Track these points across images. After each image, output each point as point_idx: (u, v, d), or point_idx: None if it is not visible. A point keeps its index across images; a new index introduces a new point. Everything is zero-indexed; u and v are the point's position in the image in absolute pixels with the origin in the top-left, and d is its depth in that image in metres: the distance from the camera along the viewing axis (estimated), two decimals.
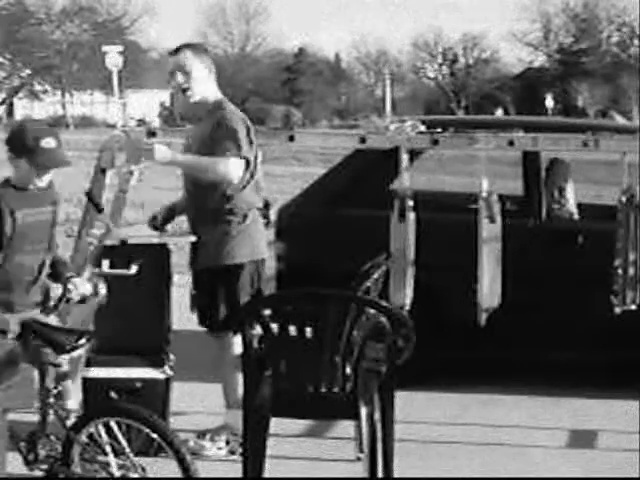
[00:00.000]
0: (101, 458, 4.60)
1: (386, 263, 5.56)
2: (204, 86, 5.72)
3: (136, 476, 4.57)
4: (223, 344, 5.62)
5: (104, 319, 5.69)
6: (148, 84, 66.59)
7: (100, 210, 5.45)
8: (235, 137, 5.48)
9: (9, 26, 62.28)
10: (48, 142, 4.58)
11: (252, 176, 5.63)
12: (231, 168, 5.47)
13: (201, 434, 5.67)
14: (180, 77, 5.77)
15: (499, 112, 50.60)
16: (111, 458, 4.58)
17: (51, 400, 4.62)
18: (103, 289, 5.07)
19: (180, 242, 6.48)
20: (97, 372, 5.60)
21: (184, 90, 5.73)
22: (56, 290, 4.75)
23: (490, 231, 5.60)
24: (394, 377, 4.94)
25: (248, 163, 5.54)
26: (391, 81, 71.21)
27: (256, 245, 5.66)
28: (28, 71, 64.53)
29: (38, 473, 4.66)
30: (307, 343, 4.64)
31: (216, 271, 5.63)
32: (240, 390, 5.22)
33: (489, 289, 5.63)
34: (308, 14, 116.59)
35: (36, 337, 4.61)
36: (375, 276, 5.41)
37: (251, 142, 5.56)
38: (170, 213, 6.04)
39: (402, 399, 5.31)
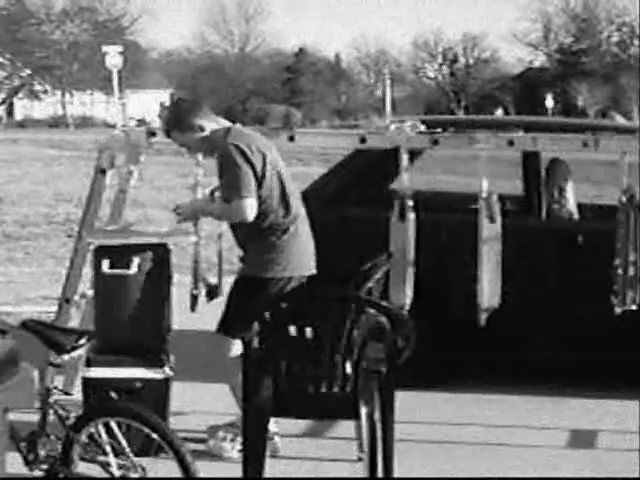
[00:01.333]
0: (101, 458, 4.60)
1: (387, 263, 5.56)
2: (202, 135, 5.65)
3: (136, 476, 4.58)
4: (228, 346, 5.58)
5: (104, 319, 5.70)
6: (148, 84, 66.65)
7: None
8: (234, 180, 5.43)
9: (9, 26, 62.32)
10: None
11: (283, 191, 5.59)
12: (241, 212, 5.43)
13: (215, 433, 5.65)
14: (187, 149, 5.81)
15: (499, 112, 50.63)
16: (111, 458, 4.58)
17: (51, 400, 4.62)
18: None
19: (180, 242, 6.49)
20: (97, 372, 5.60)
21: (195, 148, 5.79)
22: None
23: (490, 231, 5.60)
24: (394, 377, 4.94)
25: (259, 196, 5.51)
26: (391, 81, 71.26)
27: (291, 261, 5.58)
28: (28, 71, 64.55)
29: (38, 473, 4.66)
30: (307, 343, 4.63)
31: (247, 279, 5.61)
32: None
33: (489, 289, 5.62)
34: (308, 14, 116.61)
35: (36, 337, 4.61)
36: (377, 276, 5.40)
37: (254, 168, 5.47)
38: None
39: (402, 399, 5.31)
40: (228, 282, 6.03)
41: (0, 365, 4.13)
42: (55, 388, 4.72)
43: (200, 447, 5.59)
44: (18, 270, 11.86)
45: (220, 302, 5.87)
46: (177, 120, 5.67)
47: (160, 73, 71.34)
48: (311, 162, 25.14)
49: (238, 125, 5.69)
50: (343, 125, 58.33)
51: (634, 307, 5.61)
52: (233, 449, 5.59)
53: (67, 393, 5.18)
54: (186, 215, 5.77)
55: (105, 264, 5.65)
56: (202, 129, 5.61)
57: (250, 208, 5.44)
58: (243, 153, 5.45)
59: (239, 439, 5.54)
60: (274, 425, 5.48)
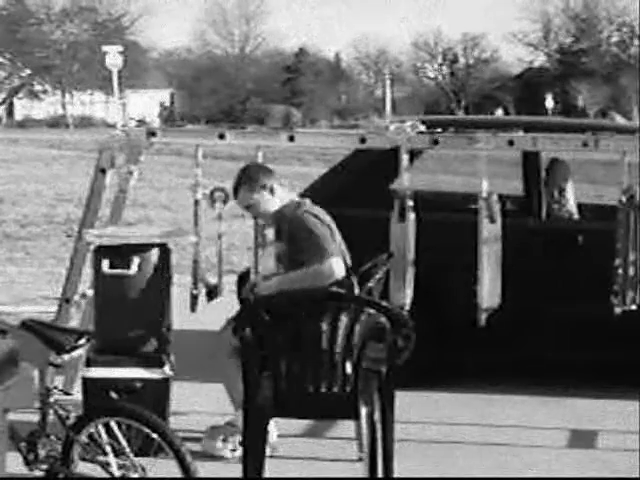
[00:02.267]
0: (101, 458, 4.60)
1: (388, 263, 5.56)
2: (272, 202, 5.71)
3: (136, 476, 4.58)
4: (227, 347, 5.58)
5: (104, 319, 5.70)
6: (148, 84, 66.65)
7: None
8: (316, 243, 5.48)
9: (9, 26, 62.31)
10: None
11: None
12: (331, 271, 5.43)
13: (212, 433, 5.65)
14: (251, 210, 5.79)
15: (499, 112, 50.63)
16: (111, 458, 4.58)
17: (51, 400, 4.62)
18: None
19: (180, 242, 6.48)
20: (97, 372, 5.60)
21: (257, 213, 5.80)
22: None
23: (490, 231, 5.60)
24: (394, 377, 4.94)
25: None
26: (391, 81, 71.25)
27: None
28: (28, 71, 64.56)
29: (38, 473, 4.66)
30: (307, 343, 4.63)
31: None
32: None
33: (489, 289, 5.63)
34: (308, 14, 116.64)
35: (36, 337, 4.62)
36: (378, 276, 5.41)
37: (330, 230, 5.59)
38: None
39: (402, 399, 5.31)
40: (229, 282, 6.04)
41: (0, 365, 4.13)
42: (55, 388, 4.72)
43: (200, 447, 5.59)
44: (18, 270, 11.87)
45: (220, 302, 5.88)
46: (248, 178, 5.69)
47: (160, 73, 71.34)
48: (311, 162, 25.15)
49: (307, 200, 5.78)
50: (343, 125, 58.32)
51: (634, 307, 5.61)
52: (225, 448, 5.58)
53: (67, 393, 5.18)
54: (266, 292, 5.56)
55: (105, 264, 5.65)
56: (272, 191, 5.67)
57: (338, 265, 5.44)
58: (317, 217, 5.58)
59: (233, 438, 5.54)
60: (273, 426, 5.48)
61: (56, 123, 59.52)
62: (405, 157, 5.70)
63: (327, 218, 5.65)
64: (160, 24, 78.50)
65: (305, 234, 5.52)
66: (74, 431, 4.57)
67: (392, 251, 5.62)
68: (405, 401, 5.59)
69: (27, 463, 4.66)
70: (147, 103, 64.01)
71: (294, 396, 4.71)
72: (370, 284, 5.32)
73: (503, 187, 6.46)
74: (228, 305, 6.08)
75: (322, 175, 7.58)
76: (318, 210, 5.69)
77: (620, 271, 5.54)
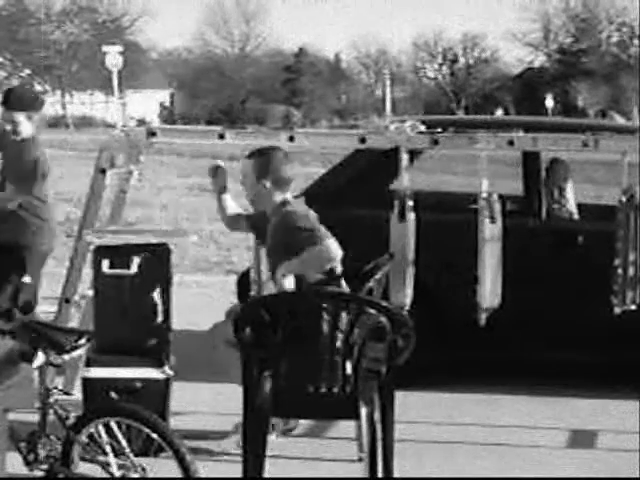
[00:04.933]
0: (101, 458, 4.60)
1: (389, 263, 5.56)
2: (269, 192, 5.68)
3: (136, 476, 4.58)
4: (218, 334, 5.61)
5: (104, 319, 5.70)
6: (148, 84, 66.62)
7: None
8: (307, 230, 5.47)
9: (9, 26, 62.31)
10: None
11: None
12: (329, 252, 5.40)
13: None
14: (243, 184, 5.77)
15: (499, 112, 50.61)
16: (111, 458, 4.58)
17: (51, 400, 4.62)
18: None
19: (180, 242, 6.48)
20: (97, 372, 5.60)
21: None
22: None
23: (490, 231, 5.59)
24: (394, 377, 4.94)
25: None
26: (391, 81, 71.23)
27: None
28: (28, 71, 64.54)
29: (38, 473, 4.66)
30: (307, 343, 4.64)
31: None
32: None
33: (489, 289, 5.62)
34: (308, 14, 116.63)
35: (36, 337, 4.61)
36: (378, 276, 5.40)
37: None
38: None
39: (402, 399, 5.31)
40: (229, 282, 6.04)
41: (0, 365, 4.13)
42: (55, 388, 4.71)
43: (200, 446, 5.58)
44: None
45: (220, 302, 5.88)
46: (266, 167, 5.66)
47: (160, 73, 71.33)
48: (311, 162, 25.13)
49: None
50: (343, 125, 58.29)
51: (634, 307, 5.61)
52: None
53: (67, 393, 5.18)
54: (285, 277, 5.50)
55: (105, 264, 5.65)
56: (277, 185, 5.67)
57: (335, 246, 5.41)
58: (301, 213, 5.59)
59: None
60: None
61: (56, 123, 59.50)
62: (405, 157, 5.70)
63: (311, 214, 5.63)
64: (160, 24, 78.59)
65: (295, 229, 5.49)
66: (74, 431, 4.57)
67: (393, 252, 5.62)
68: (405, 401, 5.59)
69: (27, 463, 4.66)
70: (147, 103, 63.97)
71: (294, 396, 4.71)
72: (370, 284, 5.32)
73: (503, 187, 6.45)
74: (229, 305, 6.09)
75: (322, 175, 7.58)
76: (302, 207, 5.69)
77: (620, 271, 5.54)
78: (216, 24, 73.33)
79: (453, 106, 68.92)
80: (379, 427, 4.82)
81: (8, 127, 6.67)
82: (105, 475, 4.60)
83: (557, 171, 7.98)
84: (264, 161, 5.67)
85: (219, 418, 5.84)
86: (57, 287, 6.25)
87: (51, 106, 63.92)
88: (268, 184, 5.63)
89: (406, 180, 5.68)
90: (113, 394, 5.54)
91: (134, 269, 5.62)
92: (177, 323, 5.98)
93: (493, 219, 5.59)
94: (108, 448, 4.58)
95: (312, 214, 5.60)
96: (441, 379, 6.89)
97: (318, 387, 4.64)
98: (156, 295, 5.70)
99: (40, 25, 64.81)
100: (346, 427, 5.58)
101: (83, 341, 4.69)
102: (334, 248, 5.40)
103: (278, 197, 5.65)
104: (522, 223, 6.87)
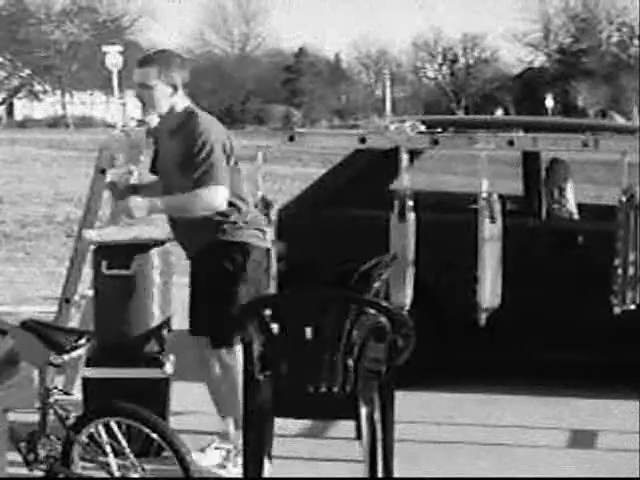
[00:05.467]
0: (101, 458, 4.60)
1: (392, 264, 5.55)
2: (170, 100, 5.33)
3: (136, 476, 4.58)
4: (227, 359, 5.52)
5: (104, 319, 5.70)
6: None
7: None
8: (212, 162, 5.14)
9: (9, 26, 62.34)
10: None
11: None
12: (218, 197, 5.14)
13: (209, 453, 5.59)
14: (145, 92, 5.38)
15: (499, 112, 50.61)
16: (111, 458, 4.58)
17: (51, 400, 4.62)
18: None
19: None
20: (97, 372, 5.60)
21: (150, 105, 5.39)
22: None
23: (490, 231, 5.59)
24: (394, 377, 4.94)
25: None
26: (391, 81, 71.24)
27: None
28: (28, 71, 64.59)
29: (38, 473, 4.65)
30: (307, 343, 4.63)
31: None
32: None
33: (489, 289, 5.62)
34: (308, 14, 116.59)
35: (36, 337, 4.61)
36: (384, 277, 5.38)
37: (228, 156, 5.26)
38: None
39: (402, 399, 5.31)
40: None
41: (0, 365, 4.13)
42: (55, 388, 4.71)
43: (200, 446, 5.58)
44: (18, 270, 11.87)
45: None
46: (163, 61, 5.28)
47: None
48: (311, 162, 25.14)
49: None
50: (343, 125, 58.33)
51: (634, 307, 5.61)
52: (231, 468, 5.47)
53: (67, 393, 5.18)
54: (141, 213, 5.34)
55: (105, 264, 5.65)
56: (175, 89, 5.32)
57: (222, 195, 5.16)
58: (223, 141, 5.24)
59: (232, 453, 5.46)
60: None
61: (56, 123, 59.55)
62: (405, 157, 5.70)
63: (221, 129, 5.32)
64: (160, 24, 78.63)
65: (199, 149, 5.13)
66: (74, 431, 4.57)
67: (395, 253, 5.61)
68: (405, 401, 5.59)
69: (27, 463, 4.66)
70: None
71: (294, 396, 4.71)
72: (377, 285, 5.29)
73: (503, 187, 6.45)
74: None
75: (322, 175, 7.58)
76: (213, 121, 5.31)
77: (620, 271, 5.54)
78: (216, 24, 73.46)
79: (453, 106, 68.96)
80: (379, 427, 4.82)
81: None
82: (105, 475, 4.60)
83: (557, 171, 7.98)
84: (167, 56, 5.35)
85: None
86: (57, 287, 6.25)
87: (51, 106, 64.04)
88: (177, 77, 5.26)
89: (406, 180, 5.68)
90: (113, 394, 5.54)
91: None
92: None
93: (493, 219, 5.59)
94: (108, 448, 4.58)
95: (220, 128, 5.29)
96: (441, 379, 6.89)
97: (318, 387, 4.64)
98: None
99: (40, 25, 64.85)
100: (346, 427, 5.58)
101: (83, 341, 4.68)
102: (220, 198, 5.11)
103: (183, 102, 5.33)
104: (522, 223, 6.87)
